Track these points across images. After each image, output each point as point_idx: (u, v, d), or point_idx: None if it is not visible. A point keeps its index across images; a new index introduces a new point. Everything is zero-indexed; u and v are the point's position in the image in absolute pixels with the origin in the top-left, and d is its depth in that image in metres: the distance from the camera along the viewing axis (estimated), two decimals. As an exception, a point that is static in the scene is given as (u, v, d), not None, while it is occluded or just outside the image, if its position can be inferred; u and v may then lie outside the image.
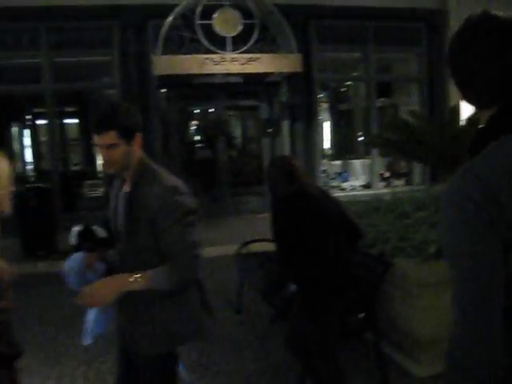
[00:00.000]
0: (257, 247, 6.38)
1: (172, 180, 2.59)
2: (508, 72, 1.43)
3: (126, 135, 2.49)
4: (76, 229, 2.53)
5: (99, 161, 14.61)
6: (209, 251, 8.83)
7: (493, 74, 1.45)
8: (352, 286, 3.81)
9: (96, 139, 2.47)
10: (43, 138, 14.49)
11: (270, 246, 6.13)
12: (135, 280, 2.37)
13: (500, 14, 1.45)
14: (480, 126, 1.52)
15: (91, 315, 2.67)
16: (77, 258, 2.55)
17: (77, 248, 2.55)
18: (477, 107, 1.56)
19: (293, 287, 4.62)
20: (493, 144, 1.44)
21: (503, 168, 1.38)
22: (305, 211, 3.64)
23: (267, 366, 4.69)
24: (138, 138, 2.58)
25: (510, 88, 1.44)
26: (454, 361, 1.39)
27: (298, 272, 3.73)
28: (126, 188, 2.60)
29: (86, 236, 2.54)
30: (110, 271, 2.54)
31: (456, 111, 5.80)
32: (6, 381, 2.11)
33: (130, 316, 2.54)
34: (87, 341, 2.72)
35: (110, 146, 2.47)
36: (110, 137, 2.45)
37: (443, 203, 1.47)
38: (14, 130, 14.07)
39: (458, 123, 5.63)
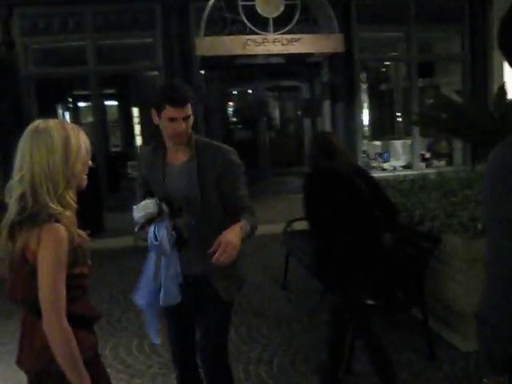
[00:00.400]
0: (301, 225, 6.49)
1: (223, 144, 2.97)
2: None
3: (193, 108, 2.81)
4: (149, 201, 2.66)
5: (138, 142, 14.88)
6: (260, 229, 9.04)
7: None
8: (386, 264, 3.88)
9: (175, 112, 2.72)
10: (86, 120, 14.80)
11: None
12: (241, 229, 2.67)
13: None
14: None
15: (151, 317, 2.91)
16: (164, 226, 2.68)
17: (149, 221, 2.67)
18: None
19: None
20: None
21: None
22: (328, 187, 3.75)
23: (315, 340, 4.82)
24: None
25: None
26: (485, 316, 1.51)
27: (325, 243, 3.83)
28: (183, 158, 2.88)
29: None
30: (180, 239, 2.72)
31: (503, 90, 5.80)
32: (87, 342, 2.26)
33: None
34: (157, 340, 2.96)
35: (187, 118, 2.76)
36: (188, 109, 2.76)
37: (485, 173, 1.54)
38: (59, 111, 14.37)
39: (505, 102, 5.63)
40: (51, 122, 2.22)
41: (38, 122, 2.22)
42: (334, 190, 3.72)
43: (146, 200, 2.69)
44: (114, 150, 16.20)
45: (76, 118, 15.40)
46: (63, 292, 2.09)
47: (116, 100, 17.07)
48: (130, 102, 15.89)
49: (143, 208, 2.66)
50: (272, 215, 9.50)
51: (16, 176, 2.16)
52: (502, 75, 12.62)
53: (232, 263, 2.64)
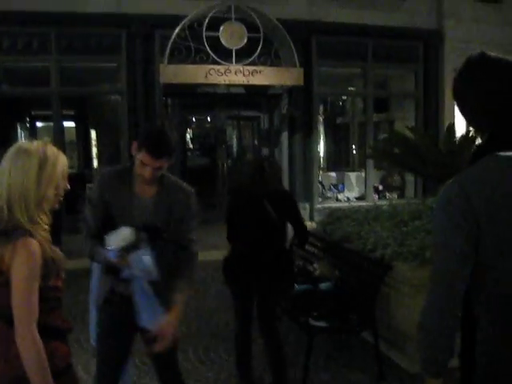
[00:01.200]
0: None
1: (185, 184, 3.18)
2: (502, 104, 1.80)
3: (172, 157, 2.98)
4: (127, 230, 2.78)
5: (95, 164, 14.87)
6: (211, 255, 9.20)
7: (490, 106, 1.82)
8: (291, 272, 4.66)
9: (149, 161, 2.85)
10: (46, 138, 14.74)
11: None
12: (177, 310, 3.00)
13: (493, 55, 1.84)
14: (478, 144, 1.94)
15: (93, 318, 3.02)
16: (146, 255, 2.83)
17: (128, 249, 2.78)
18: (478, 130, 1.99)
19: (297, 288, 5.01)
20: (480, 160, 1.83)
21: (482, 183, 1.77)
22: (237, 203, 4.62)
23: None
24: None
25: (500, 117, 1.81)
26: (423, 325, 1.84)
27: None
28: (150, 191, 3.02)
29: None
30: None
31: (452, 129, 6.19)
32: (61, 352, 2.36)
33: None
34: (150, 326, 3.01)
35: (159, 168, 2.90)
36: (164, 161, 2.89)
37: (435, 206, 1.92)
38: (19, 130, 14.33)
39: (454, 139, 6.02)
40: (34, 144, 2.32)
41: (22, 143, 2.35)
42: (240, 206, 4.51)
43: (122, 228, 2.78)
44: (71, 171, 16.04)
45: (34, 138, 15.23)
46: (35, 304, 2.18)
47: (75, 121, 17.05)
48: (89, 124, 15.91)
49: (121, 236, 2.75)
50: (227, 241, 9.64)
51: None
52: (453, 113, 13.23)
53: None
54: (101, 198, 3.02)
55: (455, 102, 1.94)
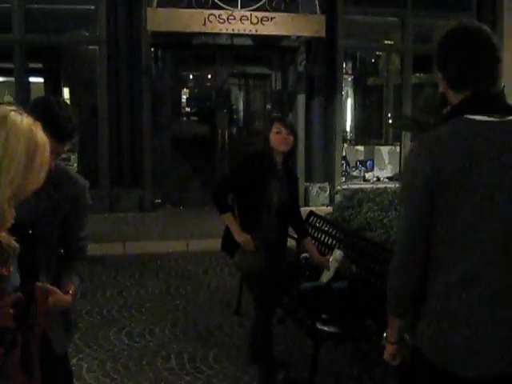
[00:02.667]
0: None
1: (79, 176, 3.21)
2: (475, 67, 2.34)
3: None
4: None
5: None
6: (205, 244, 9.35)
7: (464, 68, 2.36)
8: None
9: (55, 147, 2.77)
10: (3, 98, 14.82)
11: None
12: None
13: (470, 24, 2.43)
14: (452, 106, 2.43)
15: None
16: None
17: None
18: (455, 91, 2.41)
19: (304, 285, 5.11)
20: (449, 122, 2.36)
21: (447, 144, 2.29)
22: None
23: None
24: None
25: (475, 79, 2.34)
26: (390, 272, 2.49)
27: None
28: None
29: None
30: None
31: (502, 92, 6.14)
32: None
33: None
34: None
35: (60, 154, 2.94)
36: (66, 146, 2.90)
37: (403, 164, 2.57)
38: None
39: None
40: (25, 120, 2.30)
41: (12, 110, 2.29)
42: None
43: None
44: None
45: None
46: None
47: (43, 76, 17.05)
48: (61, 80, 15.92)
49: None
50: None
51: None
52: (510, 72, 13.17)
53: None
54: None
55: (436, 65, 2.49)
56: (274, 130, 4.86)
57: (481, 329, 2.26)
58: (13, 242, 2.45)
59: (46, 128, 2.60)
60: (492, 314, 2.27)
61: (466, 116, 2.30)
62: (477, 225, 2.25)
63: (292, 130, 4.90)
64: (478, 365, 2.28)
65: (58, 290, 2.77)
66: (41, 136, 2.36)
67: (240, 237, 4.78)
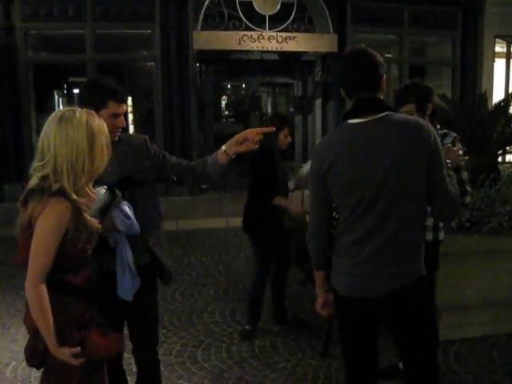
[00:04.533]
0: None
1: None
2: (355, 81, 2.54)
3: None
4: (97, 190, 2.64)
5: (131, 130, 15.01)
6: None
7: (345, 84, 2.60)
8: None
9: (121, 107, 2.85)
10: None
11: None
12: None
13: (357, 48, 2.59)
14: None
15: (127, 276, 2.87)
16: (126, 206, 2.78)
17: (105, 209, 2.70)
18: (349, 99, 2.60)
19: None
20: (338, 126, 2.74)
21: (329, 146, 2.57)
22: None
23: (293, 326, 5.12)
24: None
25: (356, 90, 2.54)
26: (307, 240, 2.76)
27: None
28: None
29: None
30: None
31: (483, 98, 6.06)
32: (75, 310, 2.40)
33: None
34: (130, 297, 2.91)
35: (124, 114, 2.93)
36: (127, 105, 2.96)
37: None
38: (55, 97, 14.51)
39: (486, 109, 5.89)
40: (77, 114, 2.32)
41: (64, 110, 2.33)
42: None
43: (95, 190, 2.61)
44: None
45: (71, 105, 15.38)
46: (48, 259, 2.26)
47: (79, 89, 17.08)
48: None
49: (95, 198, 2.61)
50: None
51: (38, 159, 2.32)
52: (491, 81, 12.95)
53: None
54: None
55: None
56: (285, 132, 4.85)
57: (357, 263, 2.52)
58: (95, 224, 2.44)
59: (111, 96, 2.77)
60: (362, 252, 2.51)
61: (347, 121, 2.54)
62: (343, 197, 2.52)
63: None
64: (363, 289, 2.55)
65: None
66: (97, 123, 2.37)
67: (296, 208, 4.98)
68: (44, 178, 2.29)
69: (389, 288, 2.51)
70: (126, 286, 2.85)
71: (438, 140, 2.49)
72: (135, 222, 2.79)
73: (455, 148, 3.32)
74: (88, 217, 2.39)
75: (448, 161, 2.77)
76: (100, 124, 2.39)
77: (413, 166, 2.42)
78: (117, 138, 2.88)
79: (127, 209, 2.76)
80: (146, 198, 3.00)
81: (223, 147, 3.06)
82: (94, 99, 2.77)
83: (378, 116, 2.47)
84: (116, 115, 2.81)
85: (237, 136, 3.04)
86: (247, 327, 4.97)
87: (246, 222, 5.02)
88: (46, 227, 2.26)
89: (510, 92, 12.55)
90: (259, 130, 3.04)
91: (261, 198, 4.85)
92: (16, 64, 10.85)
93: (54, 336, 2.31)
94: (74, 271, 2.41)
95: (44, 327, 2.30)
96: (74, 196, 2.29)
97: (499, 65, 13.40)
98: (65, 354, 2.33)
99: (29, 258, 2.28)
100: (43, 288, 2.27)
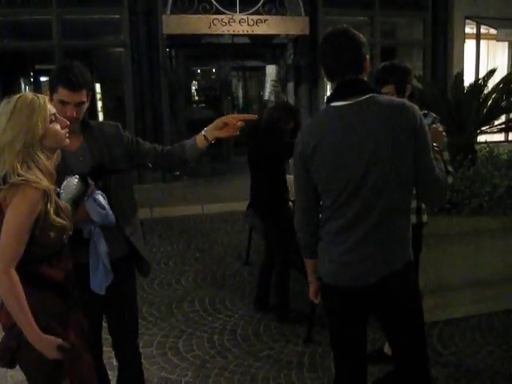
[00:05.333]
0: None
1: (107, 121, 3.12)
2: (337, 62, 2.43)
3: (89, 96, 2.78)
4: (71, 179, 2.57)
5: (100, 118, 14.79)
6: (217, 207, 9.31)
7: (326, 66, 2.48)
8: None
9: (72, 95, 2.63)
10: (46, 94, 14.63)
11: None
12: None
13: (339, 28, 2.50)
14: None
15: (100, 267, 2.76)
16: (100, 196, 2.67)
17: (79, 198, 2.60)
18: (330, 81, 2.52)
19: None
20: (321, 110, 2.60)
21: (312, 130, 2.49)
22: None
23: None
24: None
25: (335, 74, 2.46)
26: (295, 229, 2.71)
27: None
28: (76, 144, 2.80)
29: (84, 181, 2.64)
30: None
31: (461, 77, 6.03)
32: (49, 306, 2.34)
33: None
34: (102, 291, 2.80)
35: (82, 103, 2.70)
36: (85, 94, 2.70)
37: None
38: (22, 85, 14.19)
39: (462, 89, 5.87)
40: (13, 96, 2.32)
41: (4, 100, 2.32)
42: None
43: (66, 181, 2.56)
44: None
45: (38, 93, 15.10)
46: (19, 244, 2.20)
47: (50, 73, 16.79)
48: (94, 78, 15.75)
49: (67, 189, 2.55)
50: (234, 193, 9.71)
51: None
52: (462, 62, 13.01)
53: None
54: None
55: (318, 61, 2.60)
56: (291, 125, 4.75)
57: (343, 251, 2.47)
58: (66, 206, 2.40)
59: (61, 81, 2.61)
60: (348, 240, 2.45)
61: (330, 104, 2.47)
62: (327, 182, 2.46)
63: None
64: (350, 277, 2.50)
65: None
66: (40, 102, 2.31)
67: None
68: (5, 174, 2.23)
69: (377, 275, 2.46)
70: (99, 280, 2.74)
71: (424, 122, 2.41)
72: (110, 212, 2.69)
73: (440, 129, 3.25)
74: (60, 201, 2.36)
75: (435, 144, 2.70)
76: (28, 98, 2.31)
77: (398, 148, 2.34)
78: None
79: (101, 198, 2.66)
80: (121, 187, 2.89)
81: (203, 132, 3.00)
82: (50, 81, 2.67)
83: (362, 98, 2.39)
84: (64, 102, 2.63)
85: (217, 121, 2.97)
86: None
87: (267, 206, 4.88)
88: (18, 211, 2.20)
89: (480, 73, 12.64)
90: (240, 116, 2.97)
91: (283, 179, 4.83)
92: (-20, 52, 10.56)
93: (34, 323, 2.24)
94: (49, 262, 2.33)
95: (20, 314, 2.22)
96: (41, 181, 2.23)
97: (469, 46, 13.48)
98: (50, 342, 2.29)
99: None
100: (13, 273, 2.19)
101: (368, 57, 2.49)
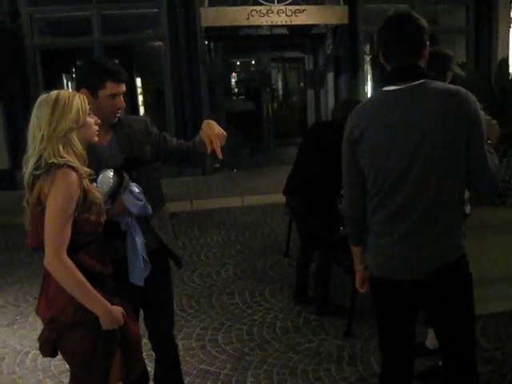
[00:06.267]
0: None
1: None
2: (390, 49, 2.39)
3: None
4: (106, 173, 2.61)
5: (141, 111, 14.92)
6: (257, 199, 9.28)
7: (385, 49, 2.41)
8: None
9: (119, 87, 2.74)
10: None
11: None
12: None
13: (403, 12, 2.46)
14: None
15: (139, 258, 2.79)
16: (136, 188, 2.72)
17: (115, 192, 2.64)
18: (387, 64, 2.45)
19: (342, 231, 4.93)
20: (373, 94, 2.53)
21: (362, 114, 2.46)
22: None
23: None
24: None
25: (393, 58, 2.39)
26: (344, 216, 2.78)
27: None
28: (107, 138, 2.88)
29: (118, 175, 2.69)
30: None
31: (505, 64, 5.86)
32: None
33: None
34: (141, 282, 2.82)
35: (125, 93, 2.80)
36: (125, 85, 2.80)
37: None
38: (64, 80, 14.41)
39: (507, 76, 5.69)
40: (51, 93, 2.36)
41: (44, 94, 2.37)
42: None
43: (101, 175, 2.60)
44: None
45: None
46: (66, 232, 2.23)
47: (76, 71, 16.92)
48: (134, 72, 15.87)
49: (104, 183, 2.59)
50: (275, 185, 9.65)
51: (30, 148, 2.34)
52: (507, 49, 12.65)
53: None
54: None
55: (377, 42, 2.57)
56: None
57: (391, 243, 2.43)
58: (98, 191, 2.42)
59: (108, 76, 2.69)
60: (395, 231, 2.41)
61: (382, 88, 2.43)
62: (374, 167, 2.42)
63: None
64: (399, 271, 2.45)
65: None
66: (80, 96, 2.39)
67: None
68: (38, 160, 2.28)
69: (427, 268, 2.41)
70: (138, 271, 2.77)
71: (480, 112, 2.32)
72: (147, 203, 2.72)
73: (494, 121, 3.11)
74: (92, 186, 2.39)
75: (489, 141, 2.59)
76: (66, 94, 2.36)
77: (450, 136, 2.27)
78: (116, 119, 2.81)
79: (137, 190, 2.70)
80: (152, 179, 2.94)
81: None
82: (91, 80, 2.69)
83: (416, 83, 2.34)
84: (114, 95, 2.72)
85: (203, 133, 2.96)
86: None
87: (315, 201, 4.77)
88: (60, 198, 2.22)
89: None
90: (216, 145, 2.91)
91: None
92: (23, 50, 10.75)
93: (100, 297, 2.31)
94: (87, 250, 2.36)
95: (86, 295, 2.28)
96: (79, 165, 2.29)
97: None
98: (119, 311, 2.39)
99: (45, 235, 2.23)
100: (66, 258, 2.23)
101: (428, 43, 2.43)
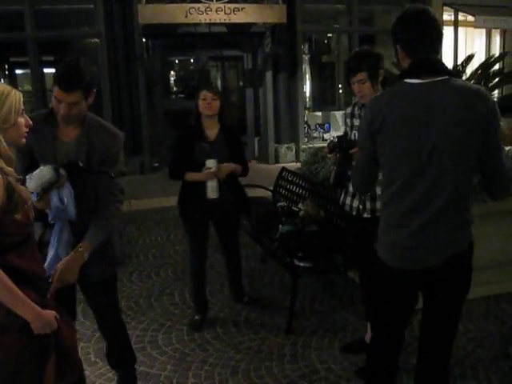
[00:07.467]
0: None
1: (113, 126, 3.13)
2: (413, 42, 2.45)
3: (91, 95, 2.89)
4: (45, 169, 2.62)
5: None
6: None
7: (407, 42, 2.47)
8: None
9: (65, 96, 2.74)
10: (24, 87, 14.41)
11: (259, 192, 6.42)
12: (80, 257, 2.85)
13: (418, 6, 2.53)
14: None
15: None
16: (67, 190, 2.73)
17: (48, 188, 2.64)
18: (409, 58, 2.47)
19: (281, 229, 4.95)
20: (393, 84, 2.55)
21: (383, 104, 2.48)
22: None
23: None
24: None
25: (416, 51, 2.43)
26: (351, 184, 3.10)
27: None
28: (73, 135, 2.95)
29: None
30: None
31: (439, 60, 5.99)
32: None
33: None
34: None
35: (76, 103, 2.77)
36: (79, 96, 2.77)
37: None
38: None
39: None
40: None
41: None
42: None
43: (40, 168, 2.62)
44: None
45: (13, 86, 14.87)
46: None
47: (55, 67, 16.60)
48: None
49: (39, 176, 2.58)
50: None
51: None
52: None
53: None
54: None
55: (394, 38, 2.58)
56: (201, 97, 4.34)
57: (409, 235, 2.48)
58: (25, 190, 2.35)
59: (56, 81, 2.74)
60: (413, 223, 2.46)
61: (404, 80, 2.45)
62: (391, 158, 2.49)
63: (216, 95, 4.37)
64: (416, 261, 2.51)
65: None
66: (15, 93, 2.30)
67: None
68: None
69: (442, 257, 2.49)
70: (49, 263, 2.81)
71: (498, 110, 2.40)
72: (71, 208, 2.74)
73: None
74: (19, 186, 2.30)
75: None
76: (7, 90, 2.29)
77: (468, 133, 2.35)
78: (69, 120, 2.85)
79: (67, 193, 2.72)
80: (92, 189, 2.94)
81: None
82: (52, 78, 2.80)
83: (439, 79, 2.39)
84: (58, 100, 2.76)
85: None
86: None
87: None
88: None
89: (458, 60, 12.66)
90: None
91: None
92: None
93: (30, 302, 2.22)
94: (17, 251, 2.26)
95: (12, 298, 2.17)
96: (4, 165, 2.19)
97: (447, 33, 13.48)
98: (51, 314, 2.31)
99: None
100: None
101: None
